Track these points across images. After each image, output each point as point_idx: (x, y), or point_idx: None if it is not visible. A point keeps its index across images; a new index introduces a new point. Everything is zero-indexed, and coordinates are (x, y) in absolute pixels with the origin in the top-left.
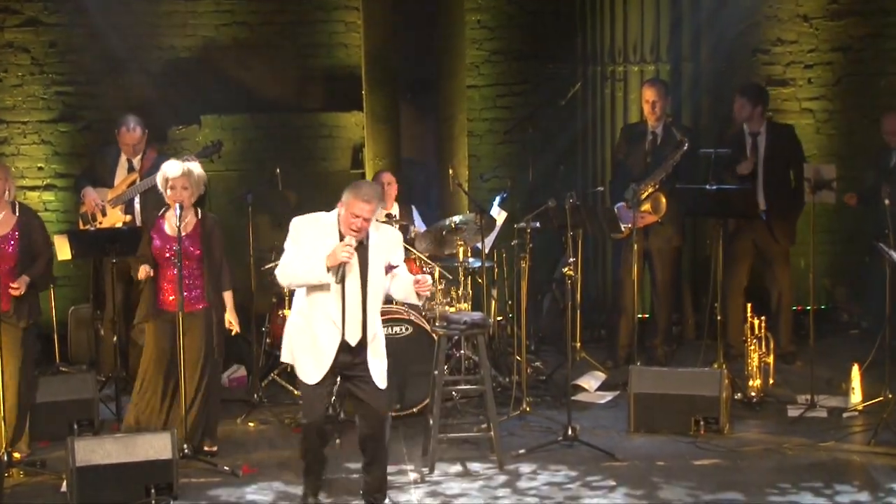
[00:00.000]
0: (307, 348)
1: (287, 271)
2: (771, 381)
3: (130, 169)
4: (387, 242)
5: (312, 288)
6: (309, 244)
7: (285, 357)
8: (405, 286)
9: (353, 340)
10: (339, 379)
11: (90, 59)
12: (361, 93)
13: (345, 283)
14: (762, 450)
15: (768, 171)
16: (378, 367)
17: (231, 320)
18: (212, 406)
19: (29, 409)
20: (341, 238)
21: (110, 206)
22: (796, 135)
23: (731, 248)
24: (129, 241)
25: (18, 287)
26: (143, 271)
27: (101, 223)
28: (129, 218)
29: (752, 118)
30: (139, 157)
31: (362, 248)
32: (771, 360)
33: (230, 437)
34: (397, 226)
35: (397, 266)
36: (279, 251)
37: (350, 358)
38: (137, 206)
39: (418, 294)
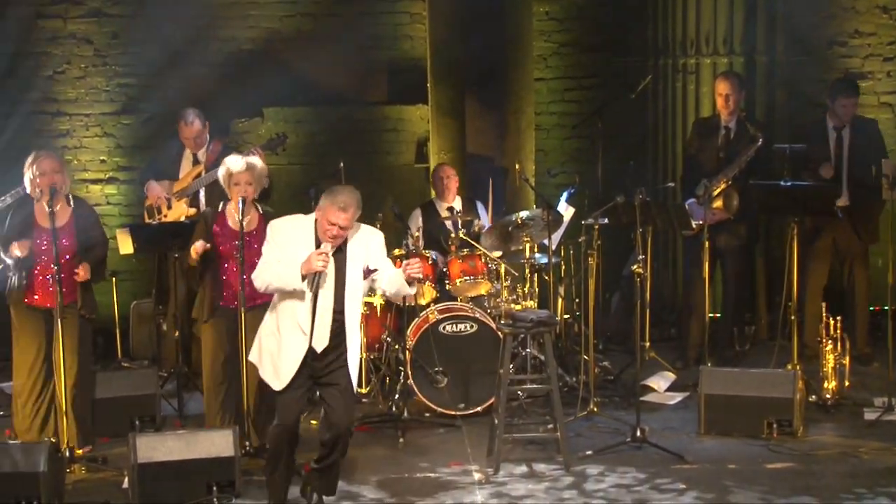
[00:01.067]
0: (273, 353)
1: (263, 276)
2: (847, 383)
3: (195, 162)
4: (365, 244)
5: (285, 292)
6: (286, 249)
7: (252, 357)
8: (395, 280)
9: (319, 347)
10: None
11: (153, 50)
12: (426, 85)
13: (319, 290)
14: (837, 454)
15: (852, 167)
16: (349, 371)
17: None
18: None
19: (90, 404)
20: (318, 244)
21: (175, 199)
22: (879, 129)
23: (812, 247)
24: (191, 236)
25: (82, 272)
26: (196, 250)
27: (165, 216)
28: (193, 211)
29: (851, 115)
30: (203, 149)
31: (339, 253)
32: (847, 361)
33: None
34: (460, 221)
35: (376, 270)
36: None
37: (320, 364)
38: (202, 199)
39: (409, 281)
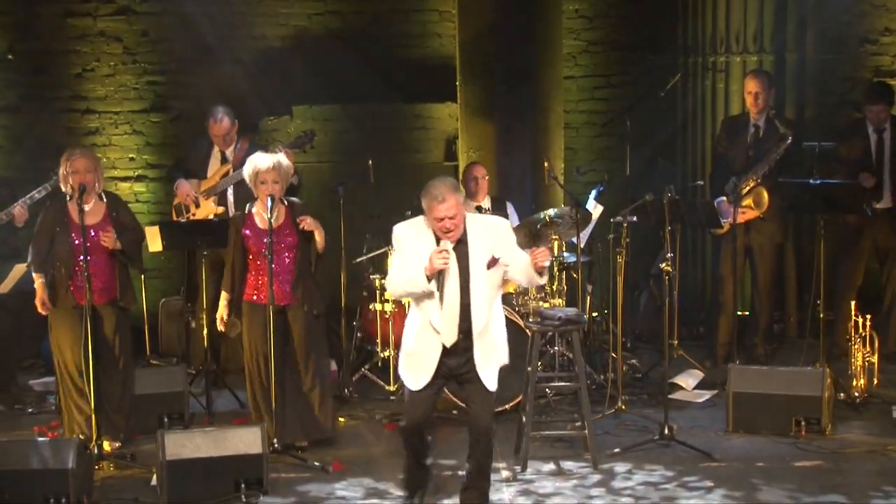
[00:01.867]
0: (412, 354)
1: (394, 283)
2: (875, 381)
3: (223, 160)
4: (488, 233)
5: (416, 295)
6: (411, 253)
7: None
8: (525, 269)
9: (448, 342)
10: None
11: (182, 48)
12: (456, 83)
13: (444, 286)
14: (866, 452)
15: (895, 168)
16: (487, 369)
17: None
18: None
19: (131, 398)
20: (438, 243)
21: (203, 197)
22: None
23: (852, 247)
24: (220, 234)
25: (106, 238)
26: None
27: (194, 214)
28: (221, 209)
29: (884, 120)
30: (232, 147)
31: (461, 245)
32: (875, 359)
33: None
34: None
35: (500, 258)
36: (370, 244)
37: (454, 361)
38: (231, 197)
39: (539, 271)
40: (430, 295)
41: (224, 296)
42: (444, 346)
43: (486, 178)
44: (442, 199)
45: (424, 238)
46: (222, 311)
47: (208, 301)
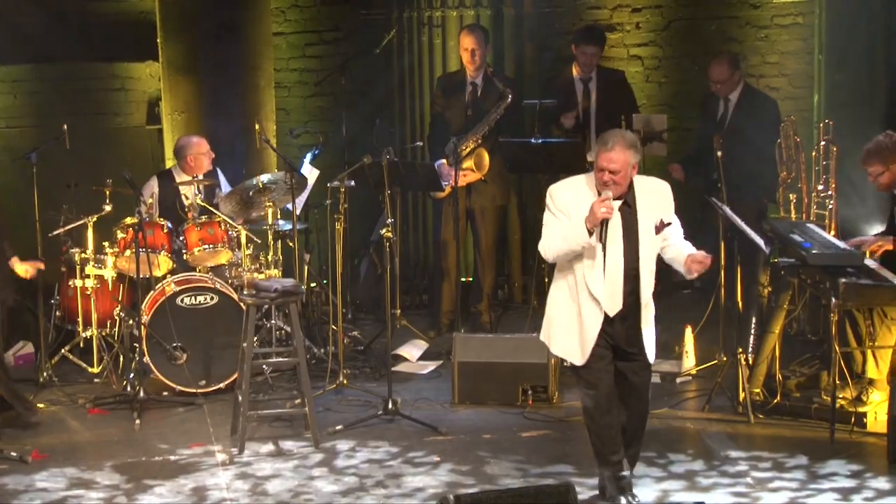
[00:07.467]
0: (569, 325)
1: (549, 244)
2: None
3: None
4: (655, 196)
5: (570, 259)
6: (569, 212)
7: (543, 336)
8: (679, 257)
9: (612, 311)
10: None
11: None
12: (156, 40)
13: (606, 249)
14: None
15: (601, 119)
16: (649, 339)
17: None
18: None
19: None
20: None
21: None
22: (627, 80)
23: None
24: None
25: None
26: None
27: None
28: None
29: (594, 65)
30: None
31: (627, 207)
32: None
33: (16, 421)
34: (198, 186)
35: (670, 223)
36: (68, 215)
37: (615, 329)
38: None
39: (688, 270)
40: (586, 261)
41: None
42: (605, 315)
43: (210, 153)
44: (609, 147)
45: (584, 196)
46: None
47: None
